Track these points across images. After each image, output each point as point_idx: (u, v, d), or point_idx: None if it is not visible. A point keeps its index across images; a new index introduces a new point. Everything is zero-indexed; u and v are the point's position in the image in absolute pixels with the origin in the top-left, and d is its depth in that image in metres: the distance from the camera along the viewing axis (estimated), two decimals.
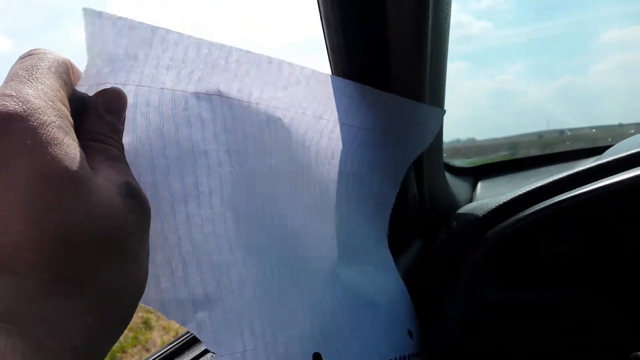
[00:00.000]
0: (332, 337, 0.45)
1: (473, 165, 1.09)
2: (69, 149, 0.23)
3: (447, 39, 0.55)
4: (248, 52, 0.40)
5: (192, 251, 0.35)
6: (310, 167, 0.47)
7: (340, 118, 0.49)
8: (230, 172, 0.38)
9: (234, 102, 0.39)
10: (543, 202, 0.56)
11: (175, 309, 0.33)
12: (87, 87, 0.28)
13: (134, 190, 0.26)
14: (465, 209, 0.70)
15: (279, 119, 0.43)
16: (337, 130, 0.49)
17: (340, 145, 0.50)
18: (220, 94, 0.38)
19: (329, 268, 0.48)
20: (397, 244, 0.67)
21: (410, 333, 0.56)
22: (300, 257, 0.44)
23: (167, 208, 0.34)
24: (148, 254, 0.28)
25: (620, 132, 1.15)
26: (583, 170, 0.56)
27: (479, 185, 1.01)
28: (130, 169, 0.28)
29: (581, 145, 1.13)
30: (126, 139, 0.30)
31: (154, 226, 0.31)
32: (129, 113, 0.31)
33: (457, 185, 0.92)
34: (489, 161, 1.11)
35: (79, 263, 0.22)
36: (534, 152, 1.22)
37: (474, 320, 0.58)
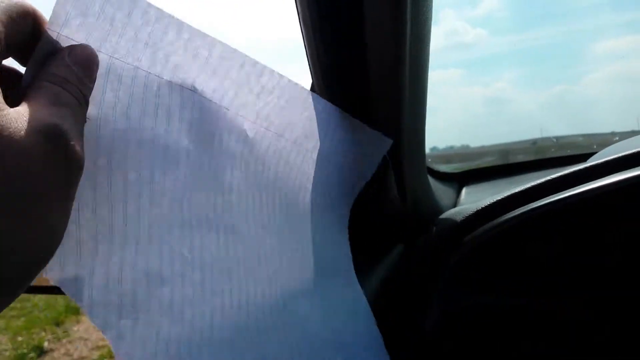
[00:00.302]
0: None
1: (458, 170, 1.09)
2: None
3: (428, 44, 0.55)
4: (234, 50, 0.38)
5: (134, 253, 0.32)
6: (267, 188, 0.44)
7: (297, 138, 0.47)
8: (185, 174, 0.35)
9: (205, 102, 0.37)
10: (520, 208, 0.56)
11: (101, 309, 0.30)
12: (57, 35, 0.27)
13: (58, 135, 0.23)
14: (446, 214, 0.70)
15: (244, 131, 0.41)
16: (294, 152, 0.47)
17: (296, 169, 0.48)
18: (194, 90, 0.36)
19: (283, 300, 0.44)
20: (377, 248, 0.67)
21: None
22: (251, 282, 0.41)
23: (119, 197, 0.31)
24: (64, 218, 0.25)
25: (606, 139, 1.16)
26: (559, 177, 0.56)
27: (464, 190, 1.01)
28: (75, 119, 0.26)
29: (567, 152, 1.14)
30: (92, 111, 0.29)
31: (101, 213, 0.30)
32: (98, 84, 0.29)
33: (442, 191, 0.92)
34: (473, 167, 1.12)
35: None
36: (524, 158, 1.23)
37: (451, 324, 0.58)
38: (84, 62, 0.27)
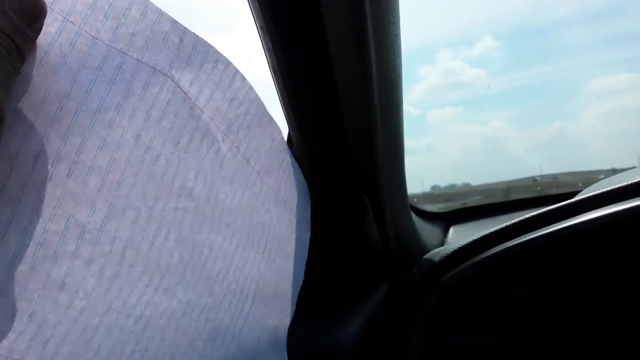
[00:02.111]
0: None
1: (445, 210, 1.10)
2: None
3: (400, 89, 0.57)
4: (207, 43, 0.35)
5: (40, 230, 0.27)
6: (229, 213, 0.41)
7: (261, 171, 0.45)
8: (127, 159, 0.31)
9: (179, 93, 0.34)
10: (496, 247, 0.57)
11: None
12: None
13: None
14: (428, 254, 0.70)
15: (217, 142, 0.38)
16: (257, 186, 0.44)
17: (258, 206, 0.45)
18: (169, 76, 0.33)
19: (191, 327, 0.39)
20: (362, 288, 0.67)
21: None
22: (163, 296, 0.35)
23: (29, 161, 0.27)
24: None
25: (591, 177, 1.17)
26: (533, 216, 0.57)
27: (451, 230, 1.02)
28: (3, 71, 0.24)
29: (553, 191, 1.15)
30: (28, 64, 0.26)
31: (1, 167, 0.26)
32: (45, 40, 0.26)
33: (428, 231, 0.93)
34: (460, 206, 1.12)
35: None
36: (524, 196, 1.23)
37: None
38: (26, 9, 0.25)
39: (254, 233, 0.44)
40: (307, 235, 0.54)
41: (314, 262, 0.55)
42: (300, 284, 0.53)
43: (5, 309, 0.27)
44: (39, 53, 0.26)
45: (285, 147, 0.49)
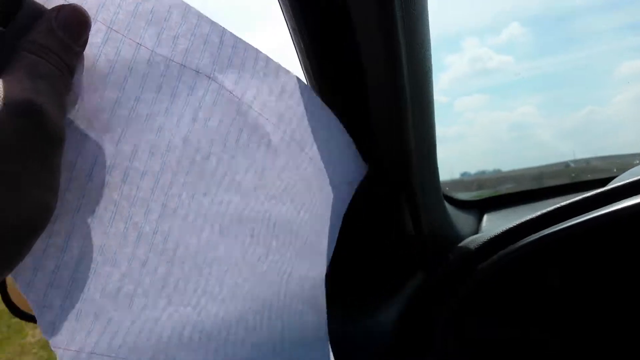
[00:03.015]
0: None
1: (479, 198, 1.09)
2: None
3: (430, 74, 0.57)
4: (245, 42, 0.35)
5: (89, 224, 0.29)
6: (270, 200, 0.41)
7: (314, 156, 0.45)
8: (177, 161, 0.32)
9: (225, 93, 0.34)
10: (532, 235, 0.57)
11: (29, 271, 0.27)
12: (45, 1, 0.25)
13: (31, 110, 0.22)
14: (463, 242, 0.70)
15: (267, 134, 0.38)
16: (310, 169, 0.45)
17: (312, 194, 0.46)
18: (212, 79, 0.33)
19: (249, 314, 0.41)
20: (396, 278, 0.68)
21: None
22: (224, 290, 0.38)
23: (84, 166, 0.28)
24: (49, 188, 0.24)
25: (625, 162, 1.15)
26: (571, 203, 0.57)
27: (485, 217, 1.01)
28: (53, 91, 0.24)
29: (587, 177, 1.13)
30: (77, 76, 0.27)
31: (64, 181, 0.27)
32: (91, 51, 0.27)
33: (462, 219, 0.93)
34: (494, 194, 1.11)
35: None
36: (556, 183, 1.21)
37: (460, 354, 0.58)
38: (72, 25, 0.25)
39: (295, 216, 0.45)
40: (344, 207, 0.55)
41: (349, 251, 0.55)
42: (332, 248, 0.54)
43: (72, 310, 0.28)
44: (87, 63, 0.27)
45: (342, 129, 0.50)
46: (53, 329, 0.28)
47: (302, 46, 0.47)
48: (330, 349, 0.52)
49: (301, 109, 0.41)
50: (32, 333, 4.12)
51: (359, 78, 0.49)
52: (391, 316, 0.60)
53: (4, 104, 0.22)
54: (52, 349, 0.28)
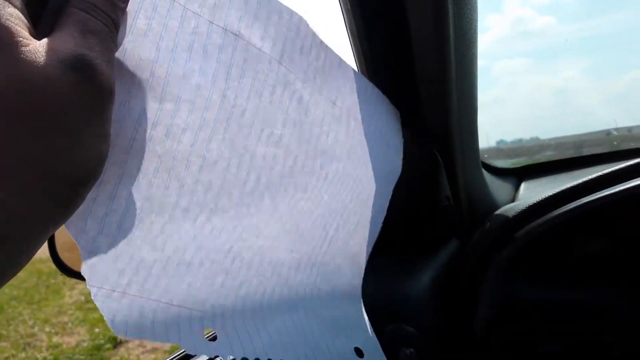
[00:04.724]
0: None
1: (517, 165, 1.08)
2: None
3: (476, 43, 0.56)
4: None
5: (135, 178, 0.30)
6: (325, 155, 0.43)
7: (350, 108, 0.45)
8: (215, 119, 0.34)
9: (253, 50, 0.35)
10: (572, 203, 0.56)
11: (80, 219, 0.28)
12: None
13: (84, 65, 0.23)
14: (500, 210, 0.70)
15: (298, 90, 0.39)
16: (347, 123, 0.45)
17: (349, 142, 0.46)
18: (239, 36, 0.34)
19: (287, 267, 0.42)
20: (431, 244, 0.69)
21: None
22: (262, 240, 0.39)
23: (130, 124, 0.29)
24: (103, 137, 0.25)
25: None
26: (612, 172, 0.56)
27: (522, 186, 1.00)
28: (104, 47, 0.25)
29: (631, 145, 1.10)
30: (119, 36, 0.28)
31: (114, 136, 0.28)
32: (131, 8, 0.28)
33: (499, 187, 0.92)
34: (532, 162, 1.10)
35: None
36: (597, 151, 1.19)
37: (501, 318, 0.59)
38: None
39: (346, 169, 0.46)
40: (398, 164, 0.56)
41: (386, 216, 0.56)
42: (384, 214, 0.54)
43: (113, 253, 0.30)
44: (128, 20, 0.28)
45: (367, 82, 0.49)
46: (93, 270, 0.30)
47: (349, 6, 0.48)
48: (363, 308, 0.53)
49: (320, 64, 0.42)
50: (70, 294, 4.29)
51: (403, 37, 0.49)
52: (424, 281, 0.61)
53: (59, 59, 0.23)
54: (88, 286, 0.30)
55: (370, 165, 0.50)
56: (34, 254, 0.24)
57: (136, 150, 0.30)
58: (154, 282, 0.33)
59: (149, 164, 0.31)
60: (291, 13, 0.38)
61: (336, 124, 0.44)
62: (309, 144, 0.41)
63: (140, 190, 0.31)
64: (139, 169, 0.30)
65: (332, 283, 0.48)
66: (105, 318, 0.30)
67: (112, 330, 0.31)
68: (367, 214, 0.52)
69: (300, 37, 0.39)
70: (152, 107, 0.30)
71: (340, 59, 0.45)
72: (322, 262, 0.46)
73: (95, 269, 0.30)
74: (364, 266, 0.53)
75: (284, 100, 0.38)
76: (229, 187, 0.36)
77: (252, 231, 0.38)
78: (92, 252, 0.29)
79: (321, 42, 0.42)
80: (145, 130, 0.30)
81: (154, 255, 0.32)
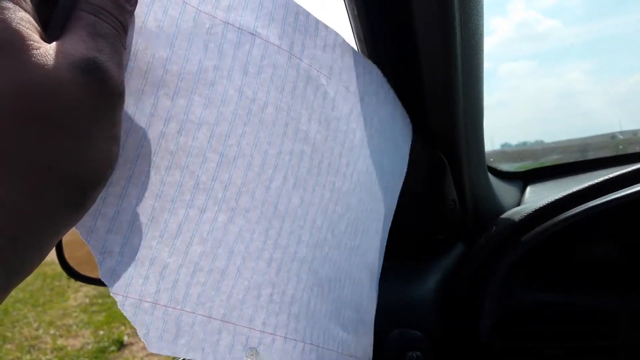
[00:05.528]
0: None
1: (522, 169, 1.08)
2: (10, 13, 0.22)
3: (482, 48, 0.57)
4: None
5: (147, 175, 0.30)
6: (352, 151, 0.42)
7: (377, 104, 0.45)
8: (233, 111, 0.33)
9: (272, 47, 0.35)
10: (579, 207, 0.56)
11: (89, 217, 0.28)
12: None
13: (95, 68, 0.24)
14: (507, 214, 0.70)
15: (323, 85, 0.38)
16: (375, 121, 0.45)
17: (376, 139, 0.45)
18: (256, 35, 0.34)
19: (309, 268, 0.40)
20: (436, 248, 0.69)
21: None
22: (285, 236, 0.37)
23: (143, 122, 0.30)
24: (112, 139, 0.25)
25: None
26: (618, 175, 0.56)
27: (528, 189, 1.00)
28: (113, 49, 0.25)
29: (636, 148, 1.10)
30: (130, 34, 0.28)
31: (124, 133, 0.29)
32: (140, 11, 0.29)
33: (505, 190, 0.92)
34: (537, 165, 1.10)
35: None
36: (602, 154, 1.19)
37: (506, 321, 0.59)
38: None
39: (371, 170, 0.45)
40: (404, 168, 0.54)
41: (392, 221, 0.56)
42: (391, 220, 0.53)
43: (130, 256, 0.30)
44: (137, 22, 0.29)
45: (386, 83, 0.49)
46: (112, 274, 0.29)
47: (355, 11, 0.48)
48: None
49: (345, 62, 0.41)
50: (74, 297, 4.30)
51: (409, 40, 0.49)
52: (430, 285, 0.61)
53: (70, 62, 0.23)
54: (112, 294, 0.29)
55: (384, 168, 0.49)
56: (45, 256, 0.24)
57: (147, 148, 0.30)
58: (184, 291, 0.32)
59: (160, 161, 0.31)
60: (307, 14, 0.38)
61: (362, 121, 0.43)
62: (336, 141, 0.40)
63: (152, 188, 0.31)
64: (149, 166, 0.30)
65: (357, 296, 0.46)
66: (138, 332, 0.30)
67: (146, 345, 0.30)
68: (380, 220, 0.50)
69: (320, 36, 0.38)
70: (165, 104, 0.30)
71: (366, 60, 0.45)
72: (350, 272, 0.44)
73: (115, 274, 0.29)
74: (378, 275, 0.51)
75: (308, 95, 0.37)
76: (251, 186, 0.34)
77: (288, 237, 0.37)
78: (106, 253, 0.29)
79: (343, 40, 0.41)
80: (157, 127, 0.30)
81: (177, 259, 0.32)
